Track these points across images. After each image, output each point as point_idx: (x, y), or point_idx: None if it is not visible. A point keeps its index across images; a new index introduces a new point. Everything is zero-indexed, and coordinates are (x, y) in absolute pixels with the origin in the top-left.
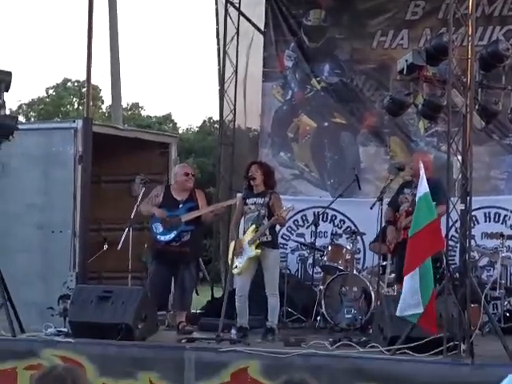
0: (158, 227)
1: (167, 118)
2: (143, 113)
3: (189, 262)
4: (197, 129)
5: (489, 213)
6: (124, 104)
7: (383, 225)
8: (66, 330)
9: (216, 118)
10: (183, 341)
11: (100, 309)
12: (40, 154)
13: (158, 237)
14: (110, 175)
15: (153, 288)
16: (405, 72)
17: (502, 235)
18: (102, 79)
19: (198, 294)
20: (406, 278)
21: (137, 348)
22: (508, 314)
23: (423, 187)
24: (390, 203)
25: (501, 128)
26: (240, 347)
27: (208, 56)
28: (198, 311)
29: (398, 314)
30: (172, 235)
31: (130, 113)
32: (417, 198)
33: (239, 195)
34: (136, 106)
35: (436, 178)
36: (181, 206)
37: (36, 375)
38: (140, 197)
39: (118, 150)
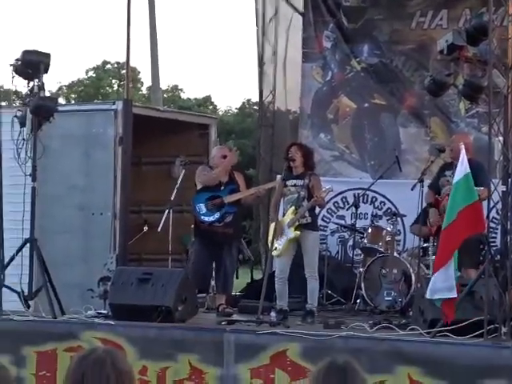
0: (202, 208)
1: (207, 100)
2: (183, 95)
3: (231, 243)
4: (236, 110)
5: None
6: (163, 86)
7: (423, 207)
8: (106, 312)
9: (255, 99)
10: (223, 323)
11: (140, 291)
12: (80, 135)
13: (202, 217)
14: (150, 157)
15: (195, 269)
16: (445, 52)
17: None
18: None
19: (237, 277)
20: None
21: (177, 330)
22: None
23: (464, 168)
24: (430, 185)
25: None
26: (279, 330)
27: (247, 38)
28: (238, 293)
29: (427, 296)
30: (216, 216)
31: (169, 95)
32: (455, 180)
33: (279, 177)
34: (175, 88)
35: (477, 161)
36: (222, 187)
37: (75, 357)
38: (180, 178)
39: (157, 132)
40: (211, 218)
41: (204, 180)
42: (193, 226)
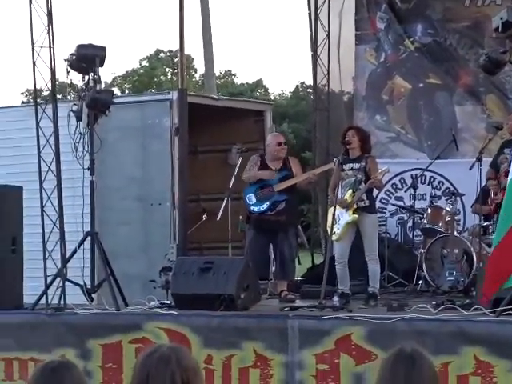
0: (252, 198)
1: (258, 84)
2: (236, 80)
3: (286, 230)
4: (289, 94)
5: None
6: (216, 72)
7: (482, 185)
8: (168, 302)
9: (308, 82)
10: (286, 309)
11: (202, 280)
12: (136, 127)
13: (252, 208)
14: (207, 145)
15: (251, 257)
16: (500, 30)
17: None
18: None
19: (299, 263)
20: None
21: (240, 318)
22: None
23: None
24: (491, 164)
25: None
26: (343, 314)
27: (299, 21)
28: (299, 279)
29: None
30: (265, 206)
31: (222, 81)
32: None
33: (335, 160)
34: (228, 73)
35: None
36: (276, 174)
37: (141, 356)
38: (238, 166)
39: (213, 120)
40: (260, 209)
41: (245, 178)
42: (241, 216)
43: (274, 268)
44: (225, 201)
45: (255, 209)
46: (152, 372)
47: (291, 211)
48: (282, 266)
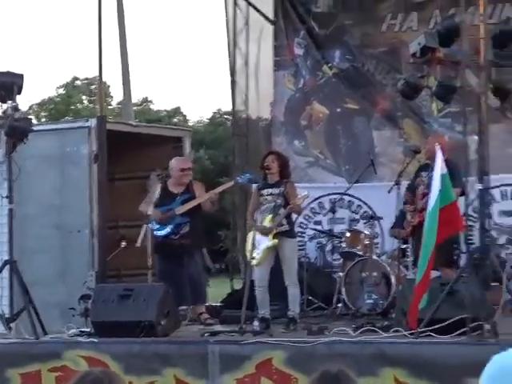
0: (154, 223)
1: (177, 111)
2: (153, 107)
3: (192, 253)
4: (207, 120)
5: (505, 191)
6: (134, 99)
7: (400, 208)
8: (88, 329)
9: (225, 109)
10: (206, 335)
11: (122, 307)
12: (55, 154)
13: (155, 232)
14: (125, 172)
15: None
16: (418, 55)
17: None
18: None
19: (208, 285)
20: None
21: (161, 344)
22: None
23: (441, 169)
24: (408, 188)
25: None
26: (263, 338)
27: (217, 48)
28: (219, 304)
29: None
30: (168, 229)
31: (140, 108)
32: (435, 180)
33: (237, 179)
34: (145, 100)
35: (453, 162)
36: (178, 198)
37: (74, 379)
38: (157, 192)
39: (131, 147)
40: (163, 232)
41: (140, 209)
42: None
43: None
44: (144, 227)
45: (158, 233)
46: None
47: (195, 234)
48: (193, 289)
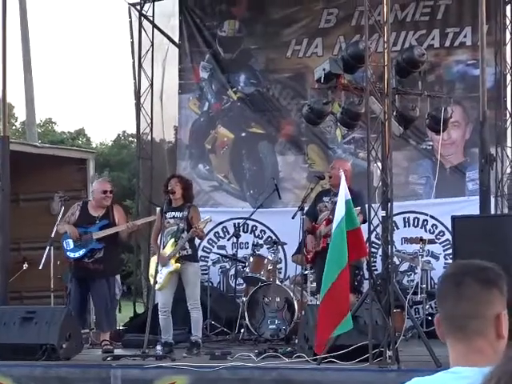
0: (69, 243)
1: (80, 133)
2: (56, 128)
3: (106, 278)
4: (111, 142)
5: (408, 218)
6: (37, 120)
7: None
8: None
9: (130, 131)
10: (109, 358)
11: (23, 329)
12: None
13: (68, 253)
14: (29, 193)
15: (72, 306)
16: (322, 81)
17: (421, 240)
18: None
19: (120, 311)
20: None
21: (62, 368)
22: (430, 318)
23: (346, 195)
24: (307, 213)
25: (417, 133)
26: (166, 363)
27: (122, 69)
28: (121, 327)
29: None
30: (81, 252)
31: (43, 129)
32: (338, 204)
33: (158, 210)
34: (49, 121)
35: (356, 190)
36: (97, 222)
37: None
38: (60, 214)
39: (35, 168)
40: (76, 255)
41: (58, 228)
42: (59, 262)
43: (94, 317)
44: (47, 249)
45: (71, 254)
46: None
47: (110, 260)
48: (103, 315)
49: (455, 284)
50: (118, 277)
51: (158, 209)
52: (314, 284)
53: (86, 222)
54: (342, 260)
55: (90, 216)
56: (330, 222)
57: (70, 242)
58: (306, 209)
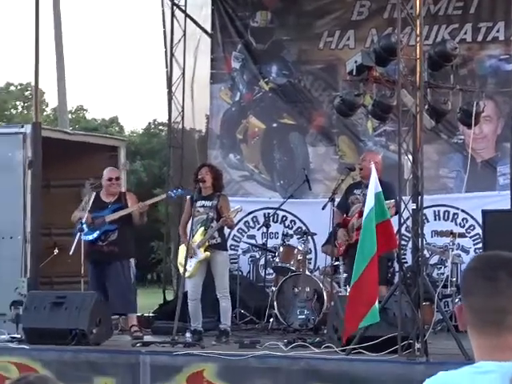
0: (84, 227)
1: (113, 121)
2: (88, 115)
3: (119, 261)
4: (142, 131)
5: (438, 211)
6: (68, 107)
7: (334, 226)
8: (19, 336)
9: (161, 120)
10: (138, 345)
11: (54, 314)
12: None
13: (83, 237)
14: (60, 180)
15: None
16: (354, 73)
17: (451, 233)
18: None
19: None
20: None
21: (92, 353)
22: None
23: (376, 187)
24: (338, 205)
25: (449, 127)
26: (195, 350)
27: (155, 58)
28: (151, 314)
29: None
30: (95, 235)
31: (74, 115)
32: (368, 196)
33: (188, 198)
34: (80, 108)
35: (386, 181)
36: (109, 206)
37: (7, 383)
38: (91, 201)
39: (67, 155)
40: (90, 238)
41: (73, 215)
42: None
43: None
44: (77, 235)
45: (86, 238)
46: None
47: (124, 242)
48: (118, 298)
49: (487, 278)
50: (132, 261)
51: (188, 197)
52: (345, 275)
53: (99, 208)
54: (371, 251)
55: (102, 202)
56: (361, 214)
57: (84, 226)
58: (337, 201)
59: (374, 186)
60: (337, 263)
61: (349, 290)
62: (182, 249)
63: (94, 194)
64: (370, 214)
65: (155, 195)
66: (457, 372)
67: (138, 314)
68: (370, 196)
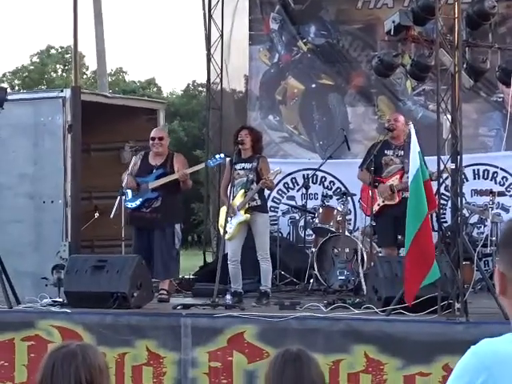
0: (128, 194)
1: (151, 83)
2: (127, 77)
3: (163, 228)
4: (181, 92)
5: (478, 170)
6: (108, 69)
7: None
8: (61, 300)
9: (200, 81)
10: (179, 307)
11: (95, 278)
12: (29, 124)
13: (126, 203)
14: (100, 143)
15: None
16: (392, 33)
17: (491, 192)
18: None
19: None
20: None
21: (133, 316)
22: None
23: (416, 146)
24: (367, 165)
25: (488, 85)
26: (235, 312)
27: (193, 20)
28: (192, 277)
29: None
30: (138, 202)
31: (114, 78)
32: (412, 156)
33: (227, 160)
34: (120, 70)
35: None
36: (154, 171)
37: (50, 349)
38: (131, 164)
39: (106, 118)
40: (133, 205)
41: (122, 178)
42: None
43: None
44: (118, 199)
45: (128, 204)
46: (57, 366)
47: (168, 209)
48: (159, 264)
49: None
50: (177, 227)
51: (227, 159)
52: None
53: (145, 172)
54: (422, 210)
55: (148, 165)
56: (403, 175)
57: (129, 192)
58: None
59: (415, 145)
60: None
61: (404, 252)
62: (223, 211)
63: (135, 157)
64: (417, 173)
65: (195, 156)
66: (500, 339)
67: (179, 277)
68: (414, 156)
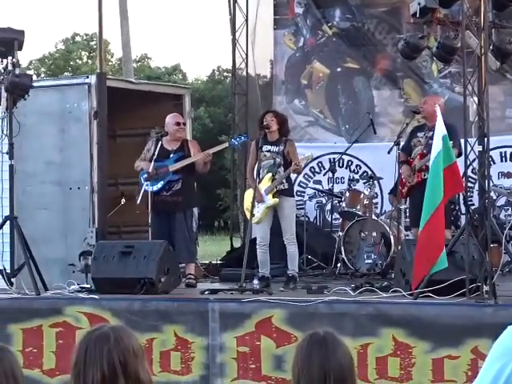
0: (147, 179)
1: (176, 69)
2: (152, 64)
3: (183, 211)
4: (206, 78)
5: (505, 152)
6: (133, 56)
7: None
8: (88, 286)
9: (224, 66)
10: (206, 292)
11: (122, 264)
12: (55, 111)
13: (148, 187)
14: (125, 129)
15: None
16: (418, 15)
17: None
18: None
19: (197, 245)
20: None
21: (161, 301)
22: None
23: (442, 130)
24: (402, 148)
25: None
26: (263, 297)
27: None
28: (219, 262)
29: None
30: (159, 185)
31: (139, 64)
32: (435, 140)
33: (231, 142)
34: (145, 57)
35: (449, 123)
36: (172, 155)
37: (84, 332)
38: (157, 150)
39: (131, 104)
40: (154, 188)
41: (135, 165)
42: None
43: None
44: (143, 186)
45: (149, 188)
46: (90, 349)
47: (188, 192)
48: (182, 247)
49: None
50: (195, 210)
51: (253, 142)
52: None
53: (162, 157)
54: (438, 196)
55: (165, 150)
56: (423, 156)
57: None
58: (403, 143)
59: (440, 129)
60: (403, 207)
61: (413, 235)
62: (248, 194)
63: (155, 142)
64: (437, 157)
65: (221, 142)
66: None
67: (206, 262)
68: (437, 139)
